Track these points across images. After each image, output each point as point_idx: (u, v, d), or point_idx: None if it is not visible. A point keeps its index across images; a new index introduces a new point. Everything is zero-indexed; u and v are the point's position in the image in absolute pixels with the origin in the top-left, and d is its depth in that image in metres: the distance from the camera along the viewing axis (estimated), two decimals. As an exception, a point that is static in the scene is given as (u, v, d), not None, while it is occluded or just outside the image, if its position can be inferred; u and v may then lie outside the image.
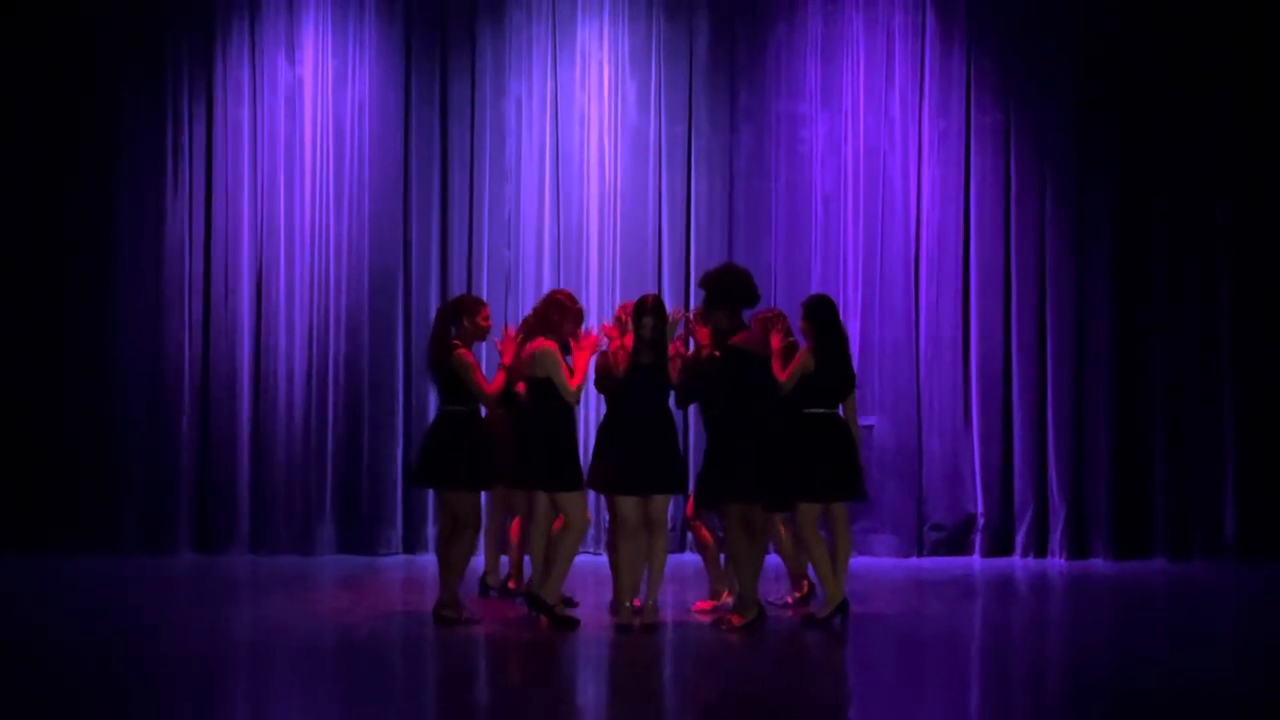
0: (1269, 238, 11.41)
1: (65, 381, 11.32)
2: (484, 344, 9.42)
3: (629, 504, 8.28)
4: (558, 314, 8.52)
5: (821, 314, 8.60)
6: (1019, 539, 11.45)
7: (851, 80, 11.75)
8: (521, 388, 8.58)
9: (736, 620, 8.29)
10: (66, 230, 11.39)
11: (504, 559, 9.55)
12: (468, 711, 6.79)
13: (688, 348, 8.68)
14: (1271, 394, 11.34)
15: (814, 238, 11.72)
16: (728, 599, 8.77)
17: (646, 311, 8.31)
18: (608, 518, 8.88)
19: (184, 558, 11.21)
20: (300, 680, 7.33)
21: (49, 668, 7.37)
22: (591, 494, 9.02)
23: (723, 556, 8.79)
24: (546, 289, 11.07)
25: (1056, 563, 11.26)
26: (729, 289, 8.37)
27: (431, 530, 11.28)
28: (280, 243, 11.55)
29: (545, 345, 8.37)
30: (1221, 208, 11.40)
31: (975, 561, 11.37)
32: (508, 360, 8.50)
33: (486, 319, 8.66)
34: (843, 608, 8.47)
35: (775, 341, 8.48)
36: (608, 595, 8.92)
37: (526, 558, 9.08)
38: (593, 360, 8.56)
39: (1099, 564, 11.21)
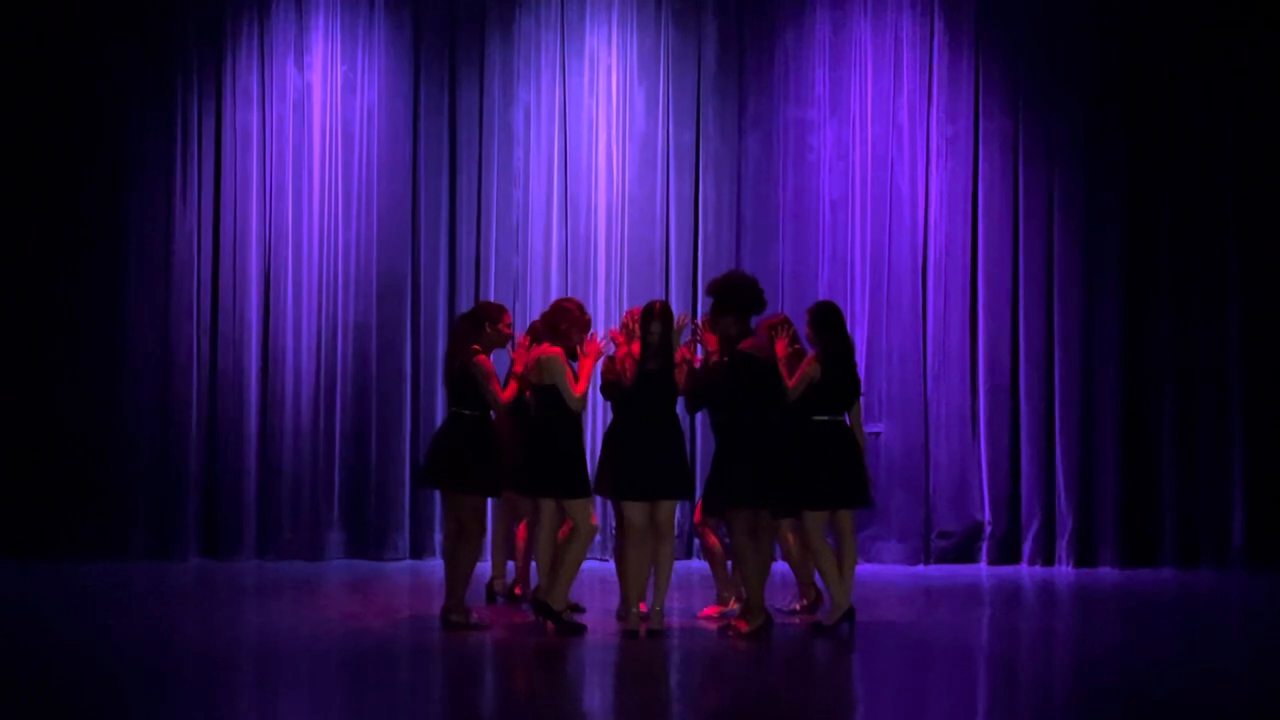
0: (1280, 247, 11.42)
1: (74, 387, 11.33)
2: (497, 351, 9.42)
3: (636, 510, 8.28)
4: (565, 322, 8.53)
5: (828, 321, 8.60)
6: (1026, 547, 11.43)
7: (860, 86, 11.75)
8: (530, 395, 8.59)
9: (743, 627, 8.28)
10: (76, 235, 11.40)
11: (510, 564, 9.55)
12: (474, 717, 6.79)
13: (695, 354, 8.68)
14: (1281, 403, 11.34)
15: (821, 244, 11.72)
16: (734, 605, 8.77)
17: (654, 317, 8.32)
18: (614, 524, 8.88)
19: (192, 563, 11.22)
20: (307, 685, 7.34)
21: (57, 673, 7.38)
22: (599, 500, 9.02)
23: (730, 563, 8.79)
24: (555, 295, 11.10)
25: (1064, 571, 11.24)
26: (736, 295, 8.37)
27: (438, 536, 11.28)
28: (288, 249, 11.56)
29: (551, 352, 8.39)
30: (1233, 216, 11.37)
31: (982, 569, 11.35)
32: (519, 368, 8.52)
33: (509, 326, 8.70)
34: (849, 615, 8.47)
35: (781, 348, 8.48)
36: (614, 601, 8.92)
37: (533, 563, 9.08)
38: (599, 367, 8.57)
39: (1106, 572, 11.19)
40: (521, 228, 11.72)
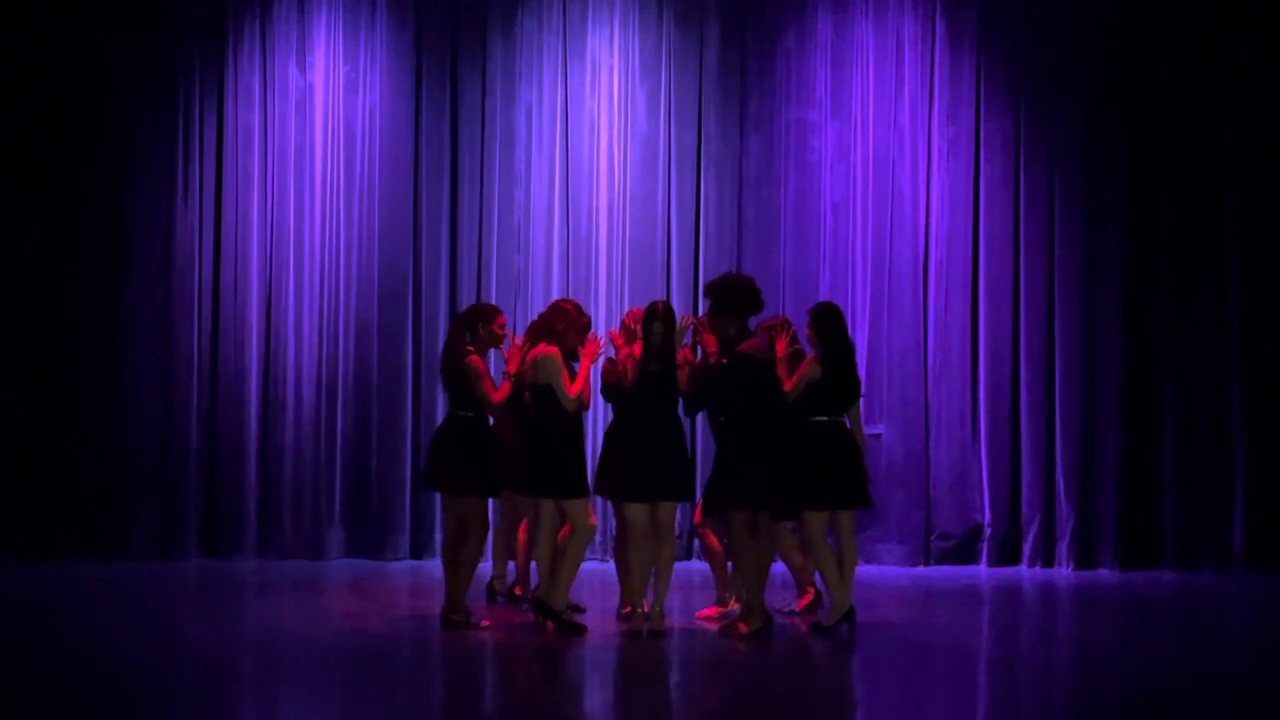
0: (1282, 249, 11.42)
1: (75, 387, 11.33)
2: (493, 351, 9.42)
3: (636, 510, 8.28)
4: (562, 322, 8.54)
5: (828, 321, 8.60)
6: (1026, 548, 11.43)
7: (861, 87, 11.75)
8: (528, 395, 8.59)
9: (743, 628, 8.29)
10: (78, 235, 11.41)
11: (511, 565, 9.56)
12: (474, 717, 6.80)
13: (696, 355, 8.69)
14: (1281, 404, 11.34)
15: (823, 245, 11.72)
16: (734, 606, 8.78)
17: (656, 318, 8.32)
18: (615, 524, 8.87)
19: (193, 562, 11.23)
20: (307, 685, 7.34)
21: (59, 672, 7.39)
22: (599, 500, 9.02)
23: (729, 564, 8.79)
24: (555, 295, 11.11)
25: (1064, 572, 11.24)
26: (734, 296, 8.38)
27: (438, 535, 11.29)
28: (290, 249, 11.57)
29: (547, 352, 8.39)
30: (1234, 217, 11.37)
31: (982, 571, 11.34)
32: (512, 368, 8.53)
33: (502, 327, 8.71)
34: (849, 616, 8.48)
35: (781, 349, 8.48)
36: (614, 602, 8.93)
37: (533, 564, 9.09)
38: (597, 368, 8.57)
39: (1106, 574, 11.19)
40: (523, 228, 11.72)
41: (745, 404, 8.24)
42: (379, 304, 11.61)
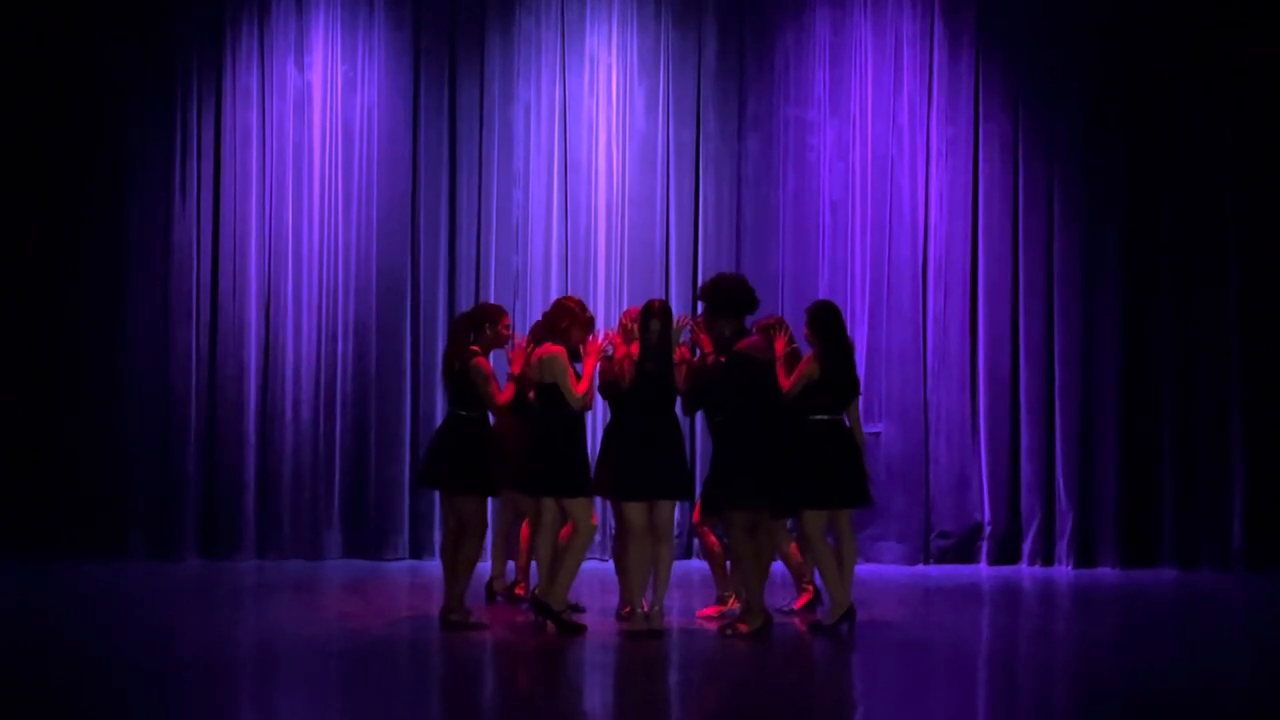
0: (1280, 248, 11.41)
1: (74, 387, 11.34)
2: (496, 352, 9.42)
3: (635, 510, 8.28)
4: (566, 320, 8.53)
5: (826, 320, 8.59)
6: (1026, 547, 11.44)
7: (860, 87, 11.75)
8: (532, 395, 8.59)
9: (743, 627, 8.28)
10: (76, 235, 11.41)
11: (510, 564, 9.55)
12: (474, 717, 6.79)
13: (693, 354, 8.68)
14: (1281, 403, 11.34)
15: (822, 244, 11.72)
16: (734, 605, 8.77)
17: (654, 315, 8.31)
18: (614, 524, 8.87)
19: (191, 563, 11.22)
20: (306, 685, 7.34)
21: (58, 672, 7.38)
22: (598, 500, 9.02)
23: (729, 563, 8.79)
24: (555, 295, 11.09)
25: (1064, 571, 11.24)
26: (729, 297, 8.39)
27: (438, 535, 11.28)
28: (288, 248, 11.57)
29: (552, 351, 8.38)
30: (1232, 217, 11.37)
31: (982, 569, 11.35)
32: (516, 369, 8.52)
33: (507, 328, 8.73)
34: (849, 614, 8.47)
35: (779, 347, 8.48)
36: (614, 601, 8.93)
37: (533, 563, 9.08)
38: (598, 367, 8.56)
39: (1106, 572, 11.19)
40: (521, 227, 11.72)
41: (743, 403, 8.24)
42: (377, 303, 11.61)
